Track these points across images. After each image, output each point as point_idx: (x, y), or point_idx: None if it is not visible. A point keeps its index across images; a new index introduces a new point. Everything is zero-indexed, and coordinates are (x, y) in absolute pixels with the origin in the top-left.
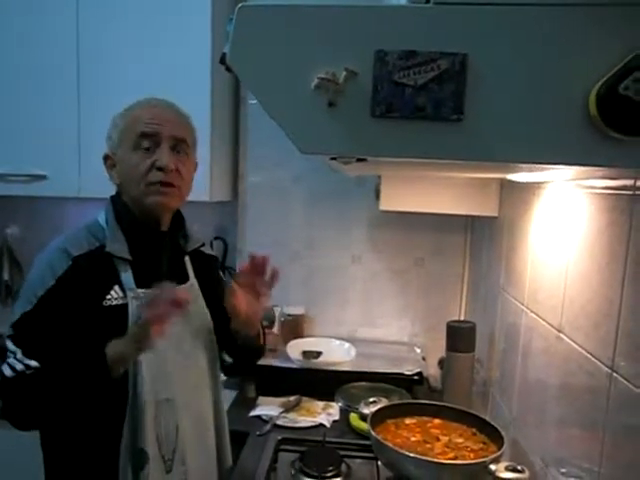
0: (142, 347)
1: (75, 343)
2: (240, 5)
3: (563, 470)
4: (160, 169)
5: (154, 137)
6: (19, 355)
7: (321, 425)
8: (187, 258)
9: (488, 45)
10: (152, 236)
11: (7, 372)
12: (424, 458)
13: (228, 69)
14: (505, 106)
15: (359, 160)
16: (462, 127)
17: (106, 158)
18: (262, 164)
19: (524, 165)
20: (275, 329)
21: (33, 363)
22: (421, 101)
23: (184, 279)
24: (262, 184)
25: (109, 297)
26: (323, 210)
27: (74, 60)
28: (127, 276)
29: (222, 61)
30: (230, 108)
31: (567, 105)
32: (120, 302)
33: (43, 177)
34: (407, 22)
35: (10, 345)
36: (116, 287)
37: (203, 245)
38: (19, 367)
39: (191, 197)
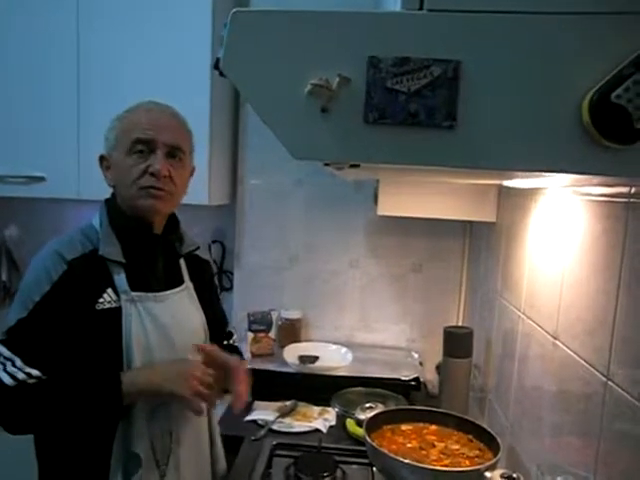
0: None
1: (76, 351)
2: (234, 10)
3: (559, 478)
4: (153, 174)
5: (149, 143)
6: (18, 363)
7: (317, 430)
8: (182, 261)
9: (481, 52)
10: (146, 239)
11: (7, 380)
12: (419, 465)
13: (222, 74)
14: (498, 113)
15: (352, 166)
16: (455, 134)
17: (102, 159)
18: (261, 168)
19: (517, 172)
20: (272, 333)
21: (35, 372)
22: (414, 108)
23: (179, 282)
24: (261, 188)
25: (102, 300)
26: (321, 214)
27: (74, 62)
28: (120, 279)
29: (216, 66)
30: (230, 111)
31: (560, 113)
32: (113, 305)
33: (41, 179)
34: (400, 29)
35: (5, 351)
36: (109, 290)
37: (198, 248)
38: (20, 376)
39: (190, 200)
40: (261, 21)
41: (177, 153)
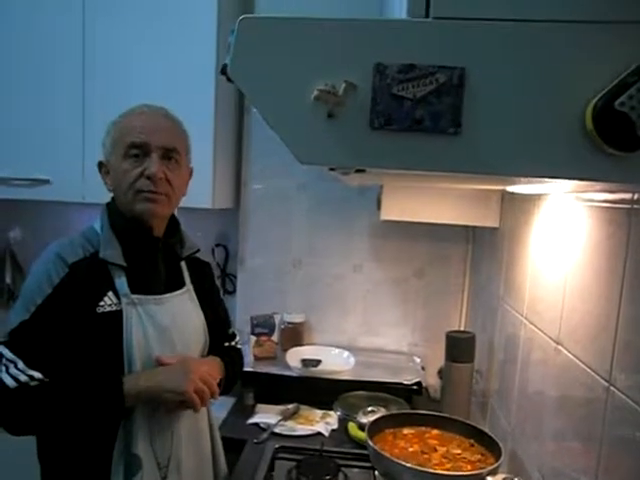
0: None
1: (77, 354)
2: (242, 17)
3: None
4: (149, 178)
5: (143, 147)
6: (21, 365)
7: (319, 434)
8: (183, 264)
9: (486, 60)
10: (146, 242)
11: (9, 382)
12: (421, 469)
13: (229, 79)
14: (502, 120)
15: (358, 171)
16: (459, 140)
17: (100, 165)
18: (265, 172)
19: (521, 178)
20: (274, 337)
21: (37, 374)
22: (419, 114)
23: (180, 285)
24: (265, 192)
25: (102, 303)
26: (325, 219)
27: (79, 64)
28: (121, 282)
29: (223, 72)
30: (234, 116)
31: (564, 119)
32: (114, 308)
33: (46, 182)
34: (406, 36)
35: (7, 353)
36: (110, 293)
37: (198, 251)
38: (23, 378)
39: (194, 204)
40: (268, 27)
41: (172, 155)
